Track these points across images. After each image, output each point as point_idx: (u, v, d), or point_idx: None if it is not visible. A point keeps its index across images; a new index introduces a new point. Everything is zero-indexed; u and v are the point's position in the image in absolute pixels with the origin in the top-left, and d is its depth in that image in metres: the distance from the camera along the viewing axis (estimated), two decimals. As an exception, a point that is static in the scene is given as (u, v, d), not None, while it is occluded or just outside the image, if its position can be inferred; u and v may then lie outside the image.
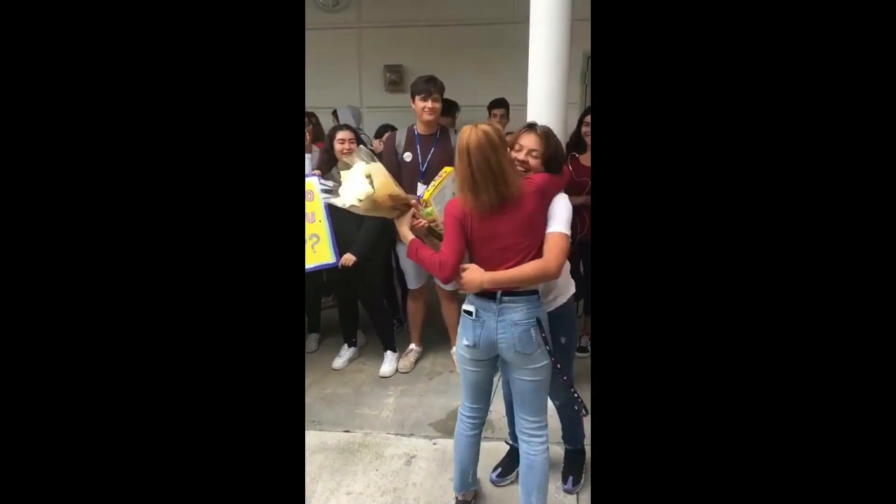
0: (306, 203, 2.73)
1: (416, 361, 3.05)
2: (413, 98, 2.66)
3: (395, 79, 4.55)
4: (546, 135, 1.73)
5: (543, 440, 1.74)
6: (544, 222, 1.67)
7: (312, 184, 2.74)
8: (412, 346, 3.09)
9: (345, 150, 2.80)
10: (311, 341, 3.26)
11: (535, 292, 1.68)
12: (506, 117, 3.53)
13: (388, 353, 3.00)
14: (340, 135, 2.84)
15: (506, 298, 1.63)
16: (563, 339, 1.84)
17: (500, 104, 3.54)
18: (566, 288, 1.88)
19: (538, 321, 1.65)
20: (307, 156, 3.22)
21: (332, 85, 4.41)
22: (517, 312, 1.64)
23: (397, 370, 2.96)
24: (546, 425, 1.75)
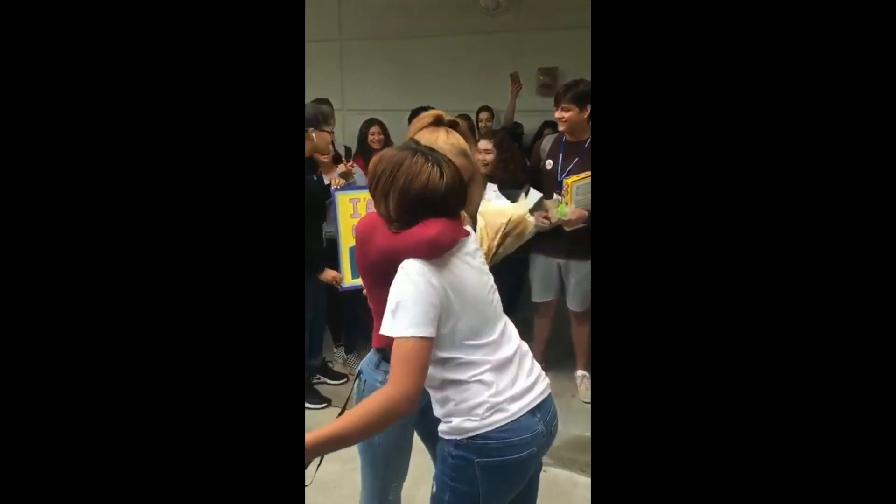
0: (353, 218, 2.61)
1: (536, 379, 2.91)
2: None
3: (547, 82, 4.41)
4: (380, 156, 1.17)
5: None
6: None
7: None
8: (533, 362, 2.95)
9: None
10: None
11: (381, 351, 1.33)
12: None
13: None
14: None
15: None
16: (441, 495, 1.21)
17: None
18: (471, 401, 1.14)
19: (359, 374, 1.38)
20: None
21: (480, 88, 4.38)
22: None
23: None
24: None
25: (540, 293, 2.79)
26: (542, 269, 2.72)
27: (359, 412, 1.04)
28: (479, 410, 1.15)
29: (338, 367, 3.19)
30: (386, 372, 1.30)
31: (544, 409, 1.24)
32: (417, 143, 1.18)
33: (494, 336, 1.20)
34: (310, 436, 0.98)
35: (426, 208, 1.11)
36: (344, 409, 1.48)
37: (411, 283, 1.08)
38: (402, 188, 1.11)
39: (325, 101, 3.32)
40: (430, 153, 1.13)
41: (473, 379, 1.16)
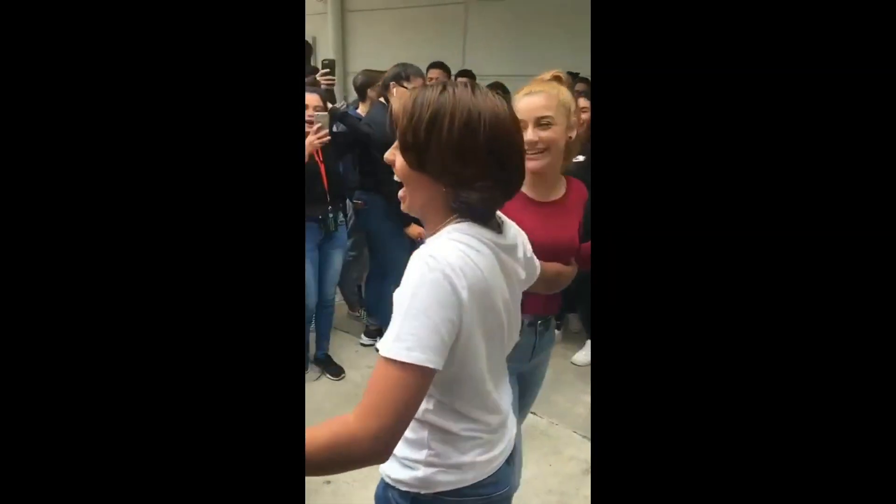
0: None
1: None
2: None
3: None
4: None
5: None
6: None
7: None
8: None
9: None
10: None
11: None
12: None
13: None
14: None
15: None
16: None
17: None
18: (455, 459, 0.86)
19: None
20: None
21: (564, 46, 4.08)
22: None
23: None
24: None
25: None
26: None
27: (319, 440, 0.69)
28: (463, 467, 0.85)
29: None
30: None
31: (514, 452, 0.96)
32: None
33: (507, 377, 0.92)
34: None
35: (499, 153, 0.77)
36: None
37: (430, 282, 0.70)
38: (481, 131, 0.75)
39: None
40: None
41: (467, 433, 0.84)
